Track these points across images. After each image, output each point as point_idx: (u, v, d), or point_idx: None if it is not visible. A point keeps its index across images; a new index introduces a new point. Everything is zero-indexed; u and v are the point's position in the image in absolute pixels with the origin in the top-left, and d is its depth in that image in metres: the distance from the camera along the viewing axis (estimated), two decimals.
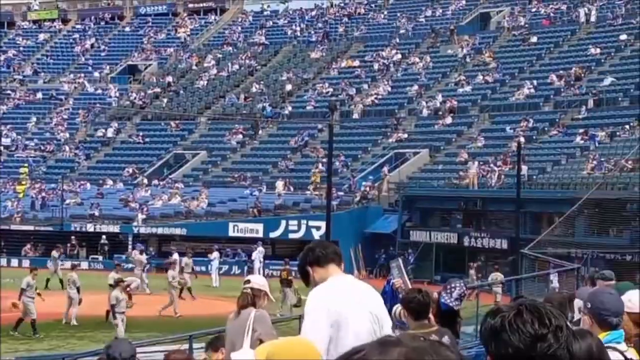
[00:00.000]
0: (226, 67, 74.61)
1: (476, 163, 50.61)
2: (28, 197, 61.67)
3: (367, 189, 53.27)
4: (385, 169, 54.43)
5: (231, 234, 52.61)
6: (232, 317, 8.90)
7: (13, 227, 57.06)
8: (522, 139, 48.51)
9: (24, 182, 63.64)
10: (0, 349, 23.74)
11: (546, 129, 53.80)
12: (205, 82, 73.42)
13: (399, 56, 68.93)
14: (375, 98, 64.57)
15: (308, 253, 6.23)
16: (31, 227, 56.97)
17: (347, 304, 5.85)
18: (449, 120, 58.56)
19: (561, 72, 58.24)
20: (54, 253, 44.43)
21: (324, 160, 51.71)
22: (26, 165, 68.10)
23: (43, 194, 61.73)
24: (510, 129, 54.49)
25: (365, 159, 58.48)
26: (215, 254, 46.68)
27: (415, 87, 63.79)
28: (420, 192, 50.94)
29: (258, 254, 47.70)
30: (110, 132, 70.11)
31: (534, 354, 2.62)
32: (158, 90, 74.23)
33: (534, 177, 47.77)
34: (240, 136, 64.99)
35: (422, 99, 62.24)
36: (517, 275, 31.40)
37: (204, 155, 64.73)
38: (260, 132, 65.58)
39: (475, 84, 61.97)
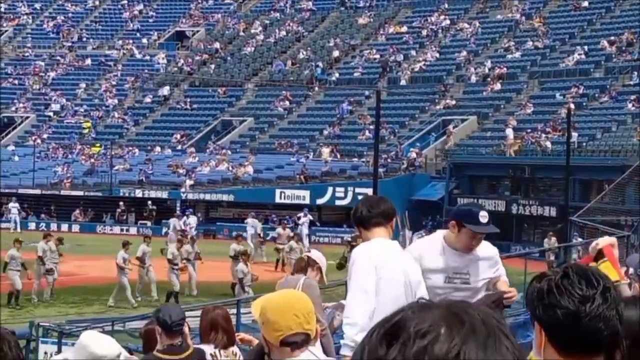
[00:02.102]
0: (273, 34, 74.51)
1: (512, 130, 50.35)
2: (78, 163, 62.30)
3: (415, 155, 53.09)
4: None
5: (278, 200, 52.74)
6: (282, 281, 9.00)
7: (63, 192, 57.68)
8: (572, 106, 48.01)
9: (97, 145, 64.41)
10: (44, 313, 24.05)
11: (597, 95, 53.22)
12: (253, 49, 73.39)
13: (448, 22, 68.39)
14: (423, 64, 64.19)
15: (355, 212, 6.12)
16: (80, 193, 57.54)
17: (384, 265, 5.84)
18: (497, 86, 58.10)
19: (612, 37, 57.49)
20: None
21: (371, 127, 51.56)
22: (89, 120, 69.05)
23: (92, 160, 62.29)
24: (560, 95, 53.97)
25: (413, 126, 58.25)
26: (250, 220, 46.67)
27: (464, 53, 63.30)
28: (468, 159, 50.67)
29: (305, 220, 47.74)
30: (158, 98, 70.47)
31: (583, 315, 2.60)
32: (206, 56, 74.35)
33: (584, 144, 47.33)
34: (287, 103, 64.99)
35: (470, 65, 61.78)
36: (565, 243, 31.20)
37: (251, 122, 64.83)
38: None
39: (524, 50, 61.36)
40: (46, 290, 28.09)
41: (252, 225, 45.88)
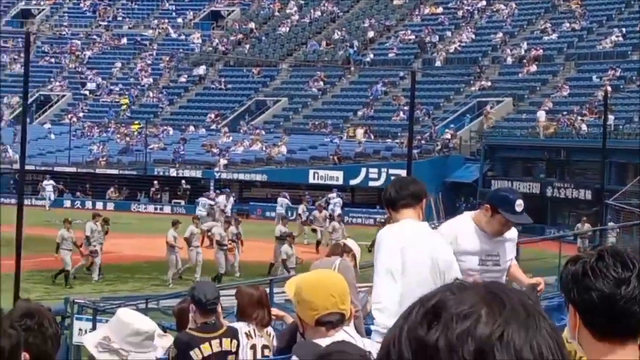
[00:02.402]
0: (308, 14, 74.38)
1: (544, 112, 50.05)
2: (113, 141, 62.63)
3: (449, 137, 52.91)
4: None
5: (311, 180, 52.77)
6: (317, 262, 9.03)
7: (98, 170, 58.02)
8: (608, 88, 47.59)
9: (137, 122, 64.77)
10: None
11: (634, 78, 52.71)
12: (288, 29, 73.33)
13: (484, 2, 67.92)
14: (459, 45, 63.86)
15: (384, 193, 6.10)
16: (115, 171, 57.85)
17: (410, 247, 5.82)
18: (533, 68, 57.71)
19: None
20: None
21: (405, 108, 51.43)
22: (127, 96, 69.50)
23: (127, 139, 62.60)
24: (597, 77, 53.51)
25: (447, 108, 58.03)
26: (281, 200, 46.78)
27: (500, 34, 62.90)
28: (503, 141, 50.42)
29: (336, 201, 47.71)
30: (193, 78, 70.65)
31: (618, 297, 2.59)
32: (240, 36, 74.36)
33: (620, 127, 46.94)
34: (322, 83, 64.92)
35: (506, 47, 61.40)
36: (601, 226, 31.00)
37: (285, 102, 64.85)
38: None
39: (561, 32, 60.87)
40: (94, 270, 28.05)
41: (282, 204, 46.14)
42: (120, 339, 4.66)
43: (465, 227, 6.40)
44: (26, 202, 26.63)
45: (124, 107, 69.12)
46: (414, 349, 1.34)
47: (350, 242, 9.33)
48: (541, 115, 49.81)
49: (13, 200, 37.31)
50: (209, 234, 33.61)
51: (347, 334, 4.16)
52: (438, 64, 62.68)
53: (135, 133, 62.71)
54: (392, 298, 5.61)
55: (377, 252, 5.95)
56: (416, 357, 1.33)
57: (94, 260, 27.93)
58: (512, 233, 6.57)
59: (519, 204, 6.25)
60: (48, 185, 54.21)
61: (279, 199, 46.72)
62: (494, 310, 1.33)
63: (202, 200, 46.02)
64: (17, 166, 43.16)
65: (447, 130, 53.97)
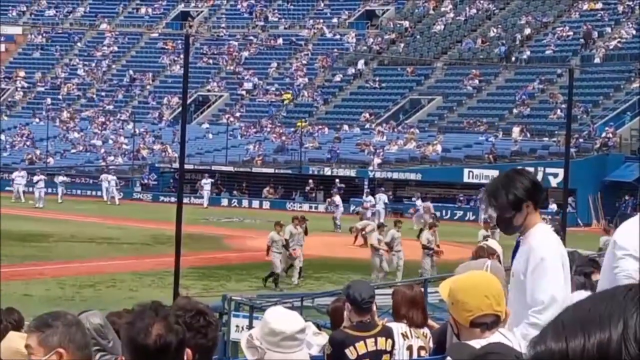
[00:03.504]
0: (463, 12, 73.78)
1: None
2: (269, 141, 63.54)
3: (609, 135, 51.64)
4: None
5: (466, 179, 52.34)
6: (466, 264, 8.91)
7: (254, 169, 58.93)
8: None
9: (302, 120, 65.77)
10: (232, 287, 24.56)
11: None
12: (442, 27, 72.92)
13: None
14: (619, 42, 62.26)
15: (530, 186, 5.52)
16: (271, 170, 58.65)
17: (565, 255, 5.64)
18: None
19: None
20: None
21: (563, 106, 50.45)
22: (290, 92, 70.63)
23: (283, 138, 63.39)
24: None
25: (607, 105, 56.65)
26: (379, 196, 47.12)
27: None
28: None
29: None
30: (348, 77, 71.05)
31: None
32: (395, 35, 74.35)
33: None
34: (477, 81, 64.33)
35: None
36: None
37: (440, 101, 64.53)
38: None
39: None
40: (293, 273, 27.92)
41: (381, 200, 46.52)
42: (261, 336, 4.76)
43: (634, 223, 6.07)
44: (185, 200, 27.25)
45: (286, 101, 70.24)
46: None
47: (493, 243, 9.20)
48: None
49: (173, 199, 38.34)
50: (364, 233, 33.73)
51: (502, 335, 4.10)
52: (597, 60, 61.26)
53: (297, 131, 63.08)
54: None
55: (542, 269, 5.48)
56: None
57: (293, 263, 27.86)
58: None
59: None
60: (207, 184, 55.38)
61: (416, 200, 46.99)
62: None
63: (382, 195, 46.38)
64: (176, 165, 44.34)
65: (606, 128, 52.69)
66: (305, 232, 28.78)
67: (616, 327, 1.20)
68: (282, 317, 4.95)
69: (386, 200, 48.15)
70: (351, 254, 32.68)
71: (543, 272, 5.34)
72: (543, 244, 5.48)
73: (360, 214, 44.59)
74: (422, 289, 8.20)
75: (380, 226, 28.58)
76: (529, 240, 5.43)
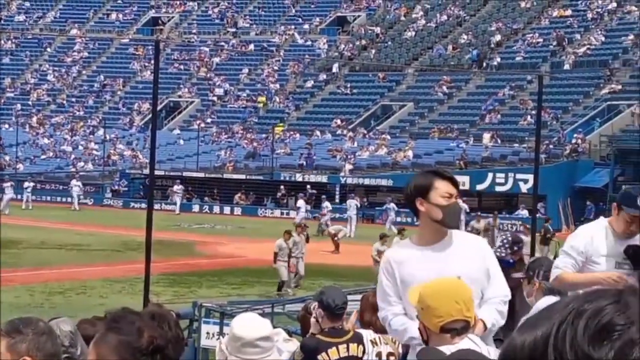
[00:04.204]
0: (434, 18, 74.06)
1: None
2: (240, 147, 63.47)
3: (578, 141, 51.96)
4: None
5: None
6: None
7: (225, 175, 58.85)
8: None
9: (281, 125, 65.79)
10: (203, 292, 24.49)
11: None
12: (413, 33, 73.15)
13: (614, 4, 66.52)
14: (588, 48, 62.68)
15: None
16: (242, 176, 58.58)
17: None
18: None
19: None
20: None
21: (533, 112, 50.70)
22: (264, 95, 70.67)
23: (254, 144, 63.34)
24: None
25: (576, 111, 57.01)
26: (391, 205, 46.98)
27: (631, 36, 61.47)
28: (634, 145, 49.25)
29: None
30: (319, 83, 71.13)
31: None
32: (366, 41, 74.51)
33: None
34: (447, 88, 64.57)
35: (637, 49, 59.99)
36: None
37: (411, 107, 64.70)
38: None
39: None
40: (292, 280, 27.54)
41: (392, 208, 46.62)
42: (226, 341, 4.84)
43: (599, 228, 6.30)
44: (156, 206, 27.14)
45: (260, 105, 70.23)
46: None
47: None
48: None
49: (143, 205, 38.20)
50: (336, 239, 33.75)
51: (472, 341, 4.11)
52: (567, 67, 61.65)
53: (268, 137, 62.94)
54: None
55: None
56: None
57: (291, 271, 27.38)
58: None
59: None
60: (178, 190, 55.21)
61: (389, 204, 47.11)
62: None
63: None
64: (147, 171, 44.19)
65: (575, 134, 53.02)
66: (307, 240, 28.45)
67: (546, 328, 1.24)
68: (245, 323, 4.96)
69: (358, 205, 48.18)
70: (322, 260, 32.66)
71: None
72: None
73: (317, 219, 44.85)
74: None
75: (382, 236, 28.05)
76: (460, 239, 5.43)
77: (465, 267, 5.02)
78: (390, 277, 5.15)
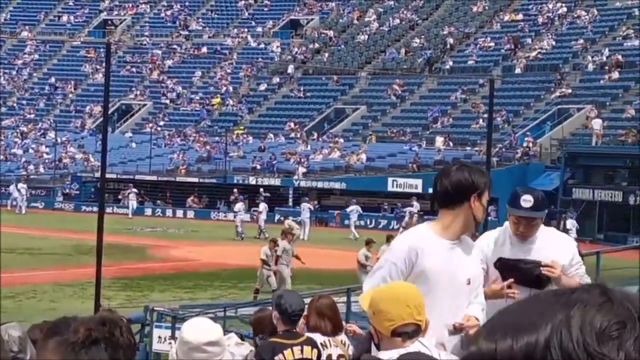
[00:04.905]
0: (387, 22, 74.34)
1: (599, 120, 49.61)
2: (193, 150, 63.22)
3: (529, 145, 52.40)
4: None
5: (390, 188, 52.66)
6: None
7: (178, 179, 58.61)
8: None
9: (241, 127, 65.61)
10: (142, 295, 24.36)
11: None
12: (366, 37, 73.36)
13: (564, 9, 67.22)
14: (539, 53, 63.26)
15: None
16: (195, 179, 58.37)
17: None
18: (615, 75, 56.88)
19: None
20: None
21: (485, 115, 51.04)
22: (218, 96, 70.52)
23: (207, 147, 63.13)
24: None
25: (527, 115, 57.49)
26: (353, 207, 46.97)
27: (581, 41, 62.15)
28: (584, 148, 49.78)
29: (413, 209, 47.69)
30: (272, 86, 71.10)
31: None
32: (319, 45, 74.60)
33: None
34: (401, 91, 64.82)
35: (587, 54, 60.65)
36: None
37: (364, 110, 64.86)
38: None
39: None
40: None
41: (357, 211, 46.55)
42: (177, 345, 4.85)
43: (500, 233, 6.07)
44: (108, 210, 26.95)
45: (215, 106, 70.06)
46: None
47: None
48: (596, 123, 49.36)
49: (95, 209, 37.91)
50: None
51: (422, 344, 4.13)
52: (518, 71, 62.16)
53: (222, 140, 62.73)
54: None
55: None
56: None
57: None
58: (559, 243, 6.07)
59: (526, 199, 5.80)
60: (132, 194, 54.86)
61: (352, 207, 47.05)
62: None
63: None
64: (98, 174, 43.87)
65: (526, 137, 53.47)
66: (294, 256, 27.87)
67: (544, 331, 1.20)
68: (194, 328, 4.96)
69: (311, 209, 48.18)
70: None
71: None
72: None
73: (254, 219, 45.01)
74: (330, 299, 8.21)
75: (368, 242, 27.65)
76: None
77: (477, 269, 5.15)
78: (407, 266, 4.92)
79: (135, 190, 55.15)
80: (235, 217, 45.29)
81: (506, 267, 5.80)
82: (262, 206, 46.63)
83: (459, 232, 5.00)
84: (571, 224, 41.95)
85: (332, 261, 30.63)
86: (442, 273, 4.86)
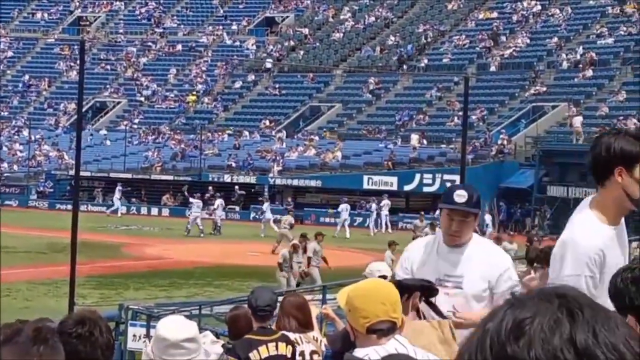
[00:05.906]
0: (362, 19, 74.40)
1: (580, 117, 49.86)
2: (168, 148, 63.08)
3: (504, 142, 52.59)
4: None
5: (365, 186, 52.72)
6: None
7: (153, 176, 58.46)
8: None
9: (229, 127, 65.50)
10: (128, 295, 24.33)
11: None
12: (342, 35, 73.39)
13: (539, 7, 67.49)
14: (514, 50, 63.50)
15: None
16: (170, 177, 58.23)
17: None
18: (589, 73, 57.18)
19: None
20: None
21: (460, 113, 51.18)
22: (195, 93, 70.38)
23: (182, 145, 62.98)
24: None
25: (502, 113, 57.70)
26: (343, 206, 46.90)
27: (555, 39, 62.43)
28: (559, 146, 50.00)
29: (384, 207, 47.82)
30: (247, 84, 71.02)
31: None
32: (294, 42, 74.57)
33: None
34: (376, 89, 64.89)
35: (561, 51, 60.93)
36: None
37: (339, 108, 64.90)
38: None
39: (617, 36, 60.25)
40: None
41: (347, 209, 46.55)
42: (152, 343, 4.86)
43: (425, 240, 5.87)
44: (82, 208, 26.81)
45: (190, 103, 69.93)
46: None
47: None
48: (577, 121, 49.60)
49: (69, 206, 37.73)
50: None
51: (398, 342, 4.13)
52: (493, 68, 62.38)
53: (196, 138, 62.57)
54: None
55: None
56: None
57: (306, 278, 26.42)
58: (493, 256, 5.63)
59: (460, 194, 5.42)
60: (117, 192, 54.35)
61: (342, 206, 46.90)
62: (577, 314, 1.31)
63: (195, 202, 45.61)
64: (72, 172, 43.66)
65: (501, 135, 53.67)
66: (304, 250, 27.52)
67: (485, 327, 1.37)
68: (170, 325, 4.97)
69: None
70: (251, 261, 32.60)
71: None
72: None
73: (210, 213, 45.15)
74: (299, 297, 8.28)
75: (391, 244, 26.48)
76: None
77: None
78: (597, 268, 4.22)
79: (120, 187, 54.62)
80: (189, 213, 44.84)
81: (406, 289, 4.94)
82: (218, 202, 46.66)
83: (615, 214, 4.35)
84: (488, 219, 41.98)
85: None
86: (616, 265, 3.90)
